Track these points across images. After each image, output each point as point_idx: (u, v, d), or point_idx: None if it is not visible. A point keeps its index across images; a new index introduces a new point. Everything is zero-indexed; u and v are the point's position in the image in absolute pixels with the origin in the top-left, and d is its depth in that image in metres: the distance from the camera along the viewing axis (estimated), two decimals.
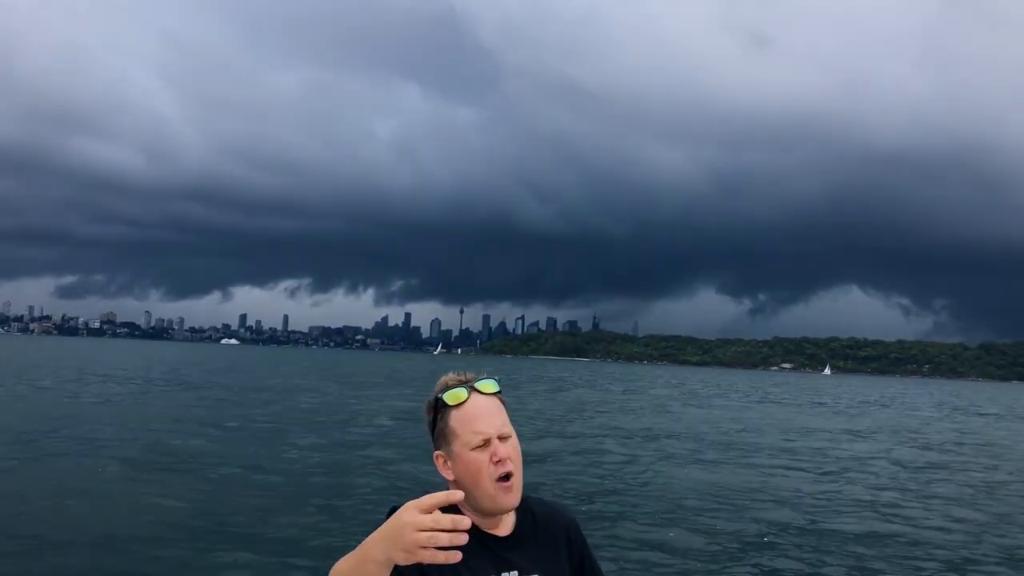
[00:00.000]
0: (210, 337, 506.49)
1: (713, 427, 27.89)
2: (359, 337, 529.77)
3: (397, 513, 1.60)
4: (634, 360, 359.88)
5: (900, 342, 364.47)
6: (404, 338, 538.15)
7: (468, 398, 1.92)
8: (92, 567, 8.50)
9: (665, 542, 10.52)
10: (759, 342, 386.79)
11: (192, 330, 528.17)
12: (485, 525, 1.93)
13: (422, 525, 1.54)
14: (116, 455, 15.30)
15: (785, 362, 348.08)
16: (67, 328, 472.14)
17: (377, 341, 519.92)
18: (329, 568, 1.67)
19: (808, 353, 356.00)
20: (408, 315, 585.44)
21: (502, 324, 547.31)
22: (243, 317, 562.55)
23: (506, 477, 1.88)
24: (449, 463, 1.93)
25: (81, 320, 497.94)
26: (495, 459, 1.87)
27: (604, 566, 2.20)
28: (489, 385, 1.96)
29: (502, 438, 1.89)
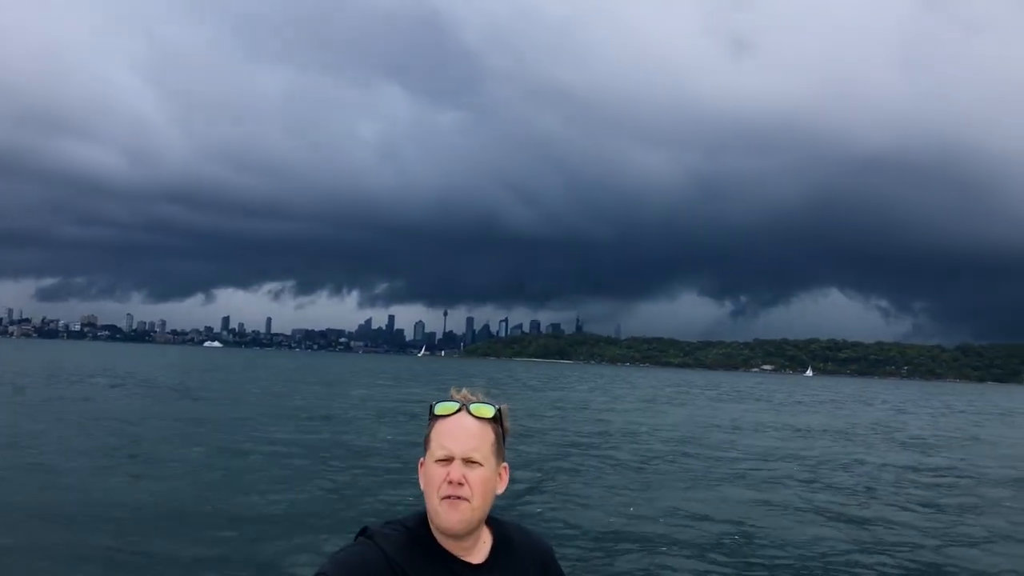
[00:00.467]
0: (192, 340, 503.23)
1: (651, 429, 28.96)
2: (342, 340, 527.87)
3: None
4: (617, 362, 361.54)
5: (879, 344, 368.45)
6: (388, 341, 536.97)
7: (455, 414, 1.91)
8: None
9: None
10: (740, 344, 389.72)
11: (174, 332, 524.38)
12: (456, 550, 1.89)
13: None
14: None
15: (766, 364, 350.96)
16: (47, 331, 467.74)
17: (361, 344, 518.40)
18: None
19: (788, 355, 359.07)
20: (392, 317, 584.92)
21: (486, 327, 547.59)
22: (226, 319, 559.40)
23: (450, 498, 1.84)
24: (422, 472, 1.94)
25: (62, 323, 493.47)
26: (448, 479, 1.84)
27: None
28: (482, 409, 1.93)
29: (467, 462, 1.86)
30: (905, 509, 13.42)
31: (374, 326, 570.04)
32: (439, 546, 1.88)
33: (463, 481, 1.84)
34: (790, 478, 16.62)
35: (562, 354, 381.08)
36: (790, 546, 10.39)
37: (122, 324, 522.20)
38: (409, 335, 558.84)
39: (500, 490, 1.95)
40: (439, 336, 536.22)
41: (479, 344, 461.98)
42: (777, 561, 9.58)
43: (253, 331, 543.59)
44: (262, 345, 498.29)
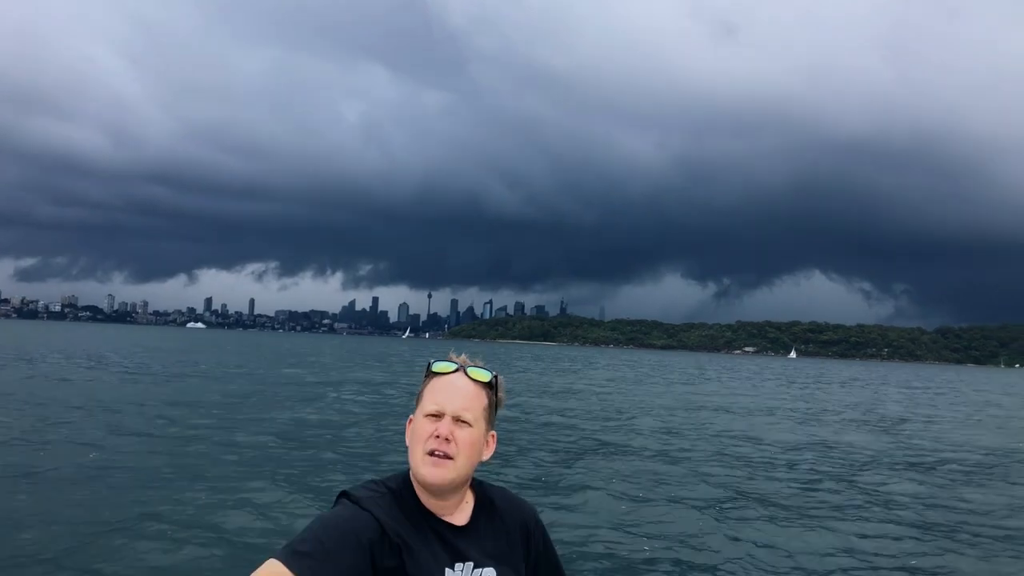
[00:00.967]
0: (175, 321, 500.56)
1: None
2: (326, 321, 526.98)
3: None
4: (600, 344, 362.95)
5: (860, 326, 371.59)
6: (372, 322, 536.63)
7: (451, 373, 1.92)
8: None
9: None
10: (723, 326, 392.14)
11: (156, 314, 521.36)
12: (439, 510, 1.90)
13: None
14: None
15: (748, 346, 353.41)
16: (27, 312, 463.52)
17: (344, 325, 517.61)
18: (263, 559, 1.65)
19: (771, 337, 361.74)
20: (376, 299, 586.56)
21: (470, 309, 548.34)
22: (208, 301, 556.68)
23: (435, 454, 1.85)
24: (410, 428, 1.94)
25: (41, 303, 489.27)
26: (435, 433, 1.85)
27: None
28: (479, 373, 1.95)
29: (457, 420, 1.86)
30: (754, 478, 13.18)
31: (358, 308, 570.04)
32: (423, 506, 1.88)
33: (450, 438, 1.84)
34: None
35: (546, 336, 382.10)
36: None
37: (103, 305, 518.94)
38: (393, 317, 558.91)
39: (486, 456, 1.95)
40: (423, 318, 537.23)
41: (463, 326, 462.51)
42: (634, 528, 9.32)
43: (236, 312, 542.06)
44: (245, 326, 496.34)
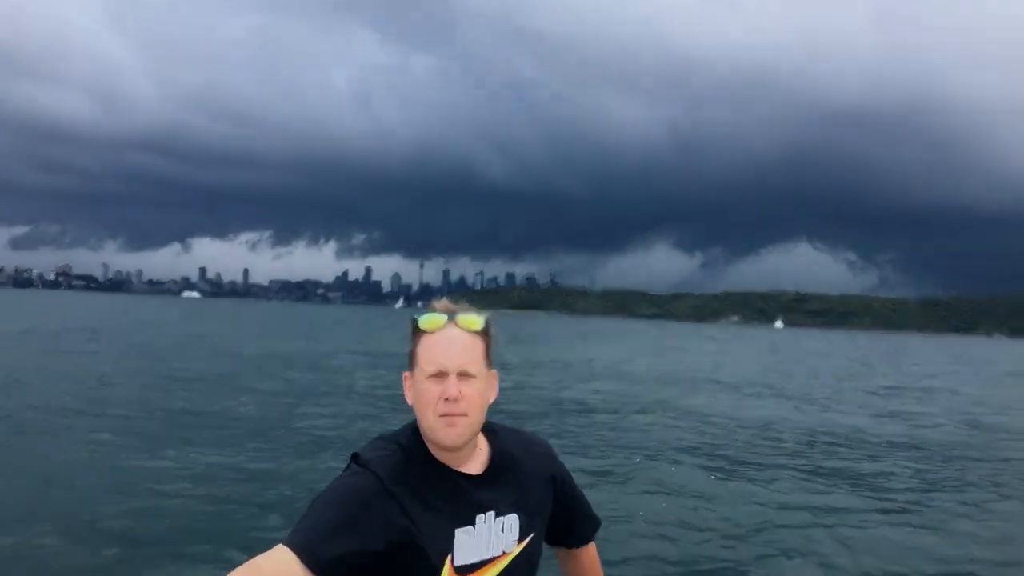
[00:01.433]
0: (170, 290, 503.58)
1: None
2: (320, 291, 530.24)
3: None
4: (589, 314, 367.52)
5: (844, 296, 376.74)
6: (365, 292, 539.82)
7: (442, 328, 1.78)
8: None
9: None
10: (710, 296, 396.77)
11: (151, 283, 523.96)
12: (453, 461, 1.79)
13: None
14: None
15: (734, 315, 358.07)
16: (21, 280, 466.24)
17: (338, 295, 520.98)
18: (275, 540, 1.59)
19: (757, 307, 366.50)
20: (369, 269, 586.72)
21: (462, 278, 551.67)
22: (203, 270, 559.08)
23: (448, 415, 1.73)
24: (410, 386, 1.81)
25: (36, 272, 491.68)
26: (444, 396, 1.72)
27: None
28: (470, 320, 1.79)
29: (462, 375, 1.74)
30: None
31: (351, 277, 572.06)
32: (436, 460, 1.78)
33: (459, 397, 1.73)
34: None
35: (537, 306, 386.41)
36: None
37: (98, 274, 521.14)
38: (386, 287, 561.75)
39: (492, 398, 1.85)
40: (415, 288, 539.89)
41: (455, 296, 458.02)
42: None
43: (230, 281, 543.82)
44: (240, 295, 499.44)
